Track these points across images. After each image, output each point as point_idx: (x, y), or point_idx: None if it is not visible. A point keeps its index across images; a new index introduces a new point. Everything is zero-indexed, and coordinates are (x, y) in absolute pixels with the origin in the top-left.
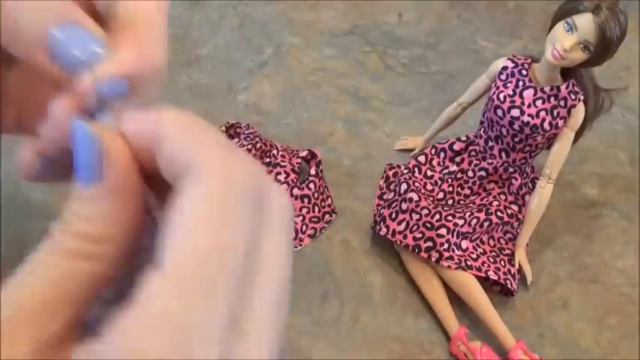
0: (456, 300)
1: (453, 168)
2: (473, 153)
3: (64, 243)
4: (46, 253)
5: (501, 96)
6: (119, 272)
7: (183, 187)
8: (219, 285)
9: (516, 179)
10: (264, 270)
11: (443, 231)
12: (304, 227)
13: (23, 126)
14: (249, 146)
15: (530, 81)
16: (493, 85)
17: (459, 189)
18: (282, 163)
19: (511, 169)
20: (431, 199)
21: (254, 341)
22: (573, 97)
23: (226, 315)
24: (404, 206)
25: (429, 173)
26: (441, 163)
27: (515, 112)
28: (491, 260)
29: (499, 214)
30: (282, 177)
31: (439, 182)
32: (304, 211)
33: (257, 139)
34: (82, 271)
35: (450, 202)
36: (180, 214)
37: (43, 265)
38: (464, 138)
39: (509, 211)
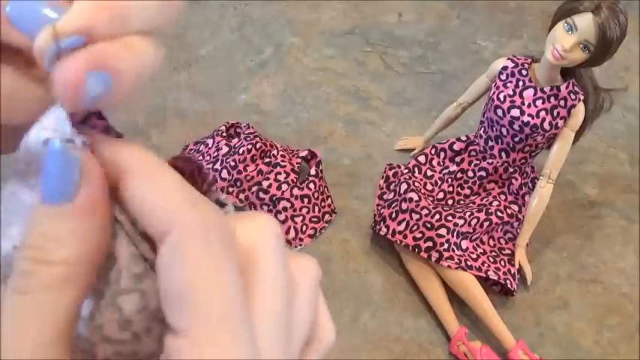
0: (456, 300)
1: (453, 168)
2: (473, 153)
3: (39, 275)
4: (18, 293)
5: (501, 96)
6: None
7: (167, 247)
8: (237, 331)
9: (516, 179)
10: (259, 298)
11: (443, 231)
12: (304, 227)
13: None
14: (249, 146)
15: (530, 81)
16: (493, 85)
17: (459, 189)
18: (282, 163)
19: (511, 169)
20: (431, 199)
21: None
22: (573, 97)
23: (251, 352)
24: (404, 206)
25: (429, 173)
26: (441, 163)
27: (515, 112)
28: (491, 260)
29: (499, 214)
30: (282, 177)
31: (439, 182)
32: (304, 211)
33: (257, 139)
34: (66, 299)
35: (450, 202)
36: (177, 280)
37: (24, 308)
38: (464, 138)
39: (509, 211)
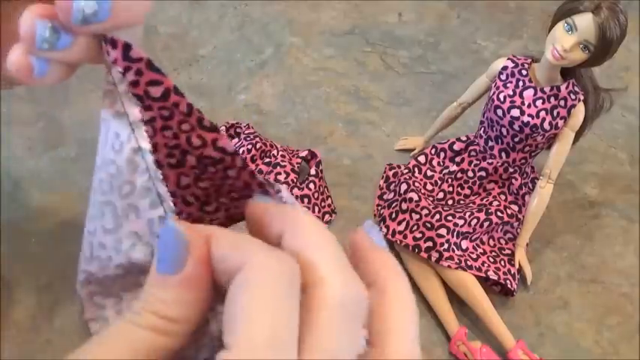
0: (456, 300)
1: (453, 168)
2: (473, 153)
3: (145, 318)
4: (128, 323)
5: (501, 96)
6: (185, 346)
7: (236, 282)
8: (278, 356)
9: (516, 179)
10: (308, 346)
11: (443, 231)
12: None
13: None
14: (249, 146)
15: (530, 81)
16: (493, 85)
17: (459, 189)
18: (282, 163)
19: (511, 169)
20: (431, 199)
21: None
22: (573, 97)
23: None
24: (404, 206)
25: (429, 173)
26: (441, 163)
27: (515, 112)
28: (491, 260)
29: (499, 214)
30: (282, 177)
31: (439, 182)
32: None
33: (257, 139)
34: (157, 344)
35: (450, 202)
36: (238, 305)
37: (126, 333)
38: (464, 138)
39: (509, 211)
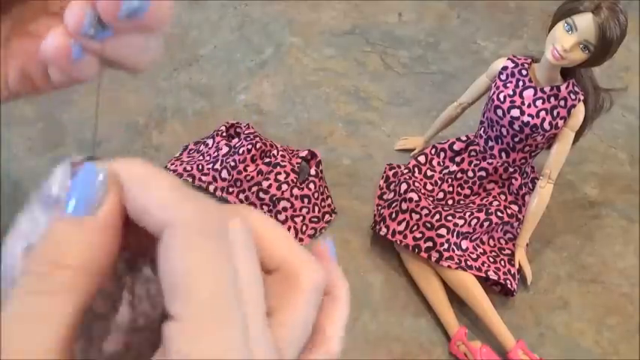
0: (456, 300)
1: (453, 168)
2: (473, 153)
3: (53, 278)
4: (29, 292)
5: (501, 96)
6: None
7: (163, 244)
8: (227, 316)
9: (516, 179)
10: (245, 288)
11: (443, 231)
12: (304, 227)
13: (26, 80)
14: (249, 146)
15: (530, 81)
16: (493, 85)
17: (459, 189)
18: (282, 163)
19: (511, 169)
20: (431, 199)
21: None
22: (573, 97)
23: (241, 339)
24: (404, 206)
25: (429, 173)
26: (441, 163)
27: (515, 112)
28: (491, 260)
29: (499, 214)
30: (282, 177)
31: (439, 182)
32: (304, 211)
33: (257, 139)
34: (73, 302)
35: (450, 202)
36: (170, 270)
37: (29, 305)
38: (464, 138)
39: (509, 211)
